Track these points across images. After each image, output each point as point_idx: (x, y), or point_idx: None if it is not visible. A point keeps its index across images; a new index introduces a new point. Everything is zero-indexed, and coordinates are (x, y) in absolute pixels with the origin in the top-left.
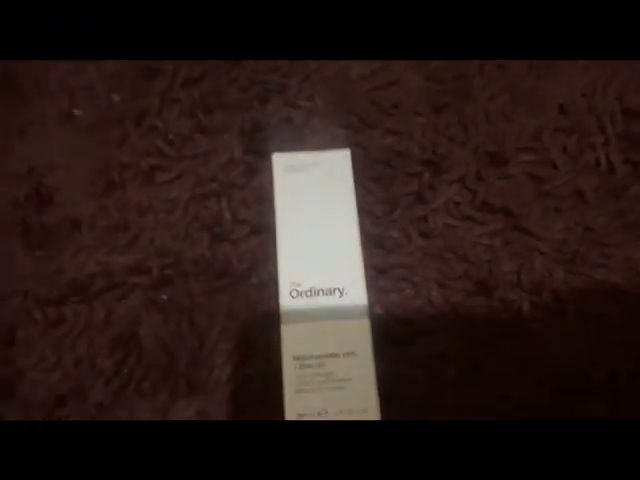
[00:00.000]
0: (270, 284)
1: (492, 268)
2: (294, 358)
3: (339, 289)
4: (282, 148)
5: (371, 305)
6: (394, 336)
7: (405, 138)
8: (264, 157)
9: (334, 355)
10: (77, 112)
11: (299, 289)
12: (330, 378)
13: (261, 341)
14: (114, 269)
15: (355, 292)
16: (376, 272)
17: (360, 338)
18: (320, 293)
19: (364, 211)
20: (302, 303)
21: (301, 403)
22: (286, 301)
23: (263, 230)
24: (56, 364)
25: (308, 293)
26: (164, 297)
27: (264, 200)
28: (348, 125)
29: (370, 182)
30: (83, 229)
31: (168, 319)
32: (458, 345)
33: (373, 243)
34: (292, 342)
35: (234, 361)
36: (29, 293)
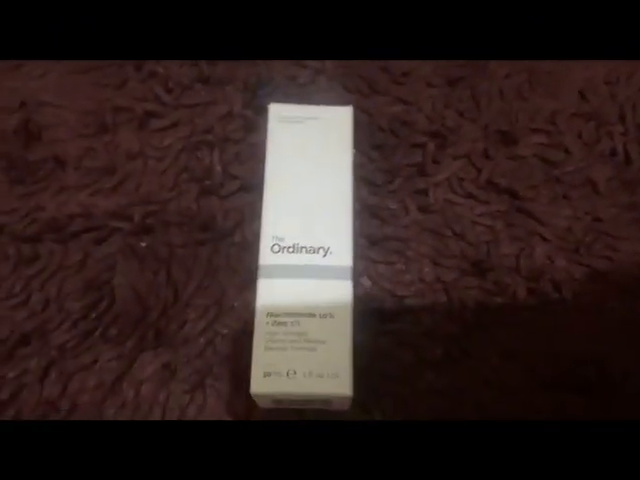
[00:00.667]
0: (254, 244)
1: (490, 250)
2: (267, 314)
3: (323, 248)
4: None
5: (359, 274)
6: (379, 309)
7: (413, 109)
8: (264, 114)
9: (310, 315)
10: None
11: (281, 244)
12: (303, 338)
13: (238, 299)
14: (95, 212)
15: (340, 253)
16: (368, 242)
17: (340, 300)
18: (303, 250)
19: (363, 179)
20: (283, 259)
21: (269, 361)
22: (266, 255)
23: (254, 188)
24: (23, 302)
25: (290, 249)
26: (143, 245)
27: (258, 158)
28: (355, 89)
29: (372, 150)
30: (68, 168)
31: (144, 268)
32: (445, 325)
33: (369, 212)
34: (267, 298)
35: (208, 318)
36: (4, 227)
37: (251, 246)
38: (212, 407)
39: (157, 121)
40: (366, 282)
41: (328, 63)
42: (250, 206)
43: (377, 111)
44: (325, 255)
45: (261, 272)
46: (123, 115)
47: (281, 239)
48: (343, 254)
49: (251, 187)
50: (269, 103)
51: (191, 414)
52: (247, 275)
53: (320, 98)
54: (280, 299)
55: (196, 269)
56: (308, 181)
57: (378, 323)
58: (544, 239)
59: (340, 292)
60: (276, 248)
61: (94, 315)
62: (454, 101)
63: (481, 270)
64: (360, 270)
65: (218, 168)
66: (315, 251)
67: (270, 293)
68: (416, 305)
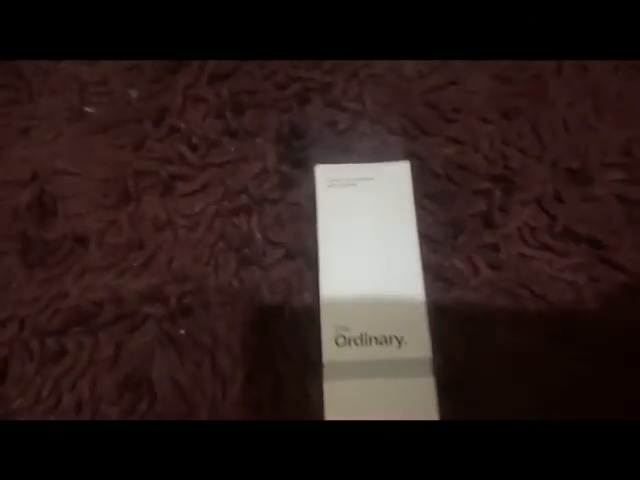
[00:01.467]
0: (307, 323)
1: (575, 309)
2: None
3: (397, 337)
4: (324, 157)
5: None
6: (456, 392)
7: (469, 149)
8: (303, 167)
9: None
10: (89, 109)
11: (347, 335)
12: None
13: (296, 395)
14: (125, 295)
15: (417, 341)
16: (435, 310)
17: (423, 401)
18: (373, 342)
19: (420, 235)
20: (350, 354)
21: None
22: (330, 350)
23: (299, 254)
24: (54, 408)
25: (358, 341)
26: (182, 332)
27: (301, 218)
28: (401, 131)
29: (427, 200)
30: (90, 246)
31: (186, 359)
32: (533, 408)
33: (432, 274)
34: (337, 404)
35: (262, 416)
36: (26, 320)
37: (304, 324)
38: None
39: (184, 184)
40: (439, 361)
41: (367, 103)
42: (298, 275)
43: (429, 155)
44: (400, 346)
45: (326, 372)
46: (146, 180)
47: (345, 329)
48: (420, 344)
49: (295, 253)
50: (307, 155)
51: None
52: (305, 363)
53: (363, 145)
54: (351, 405)
55: (245, 356)
56: (370, 254)
57: (457, 409)
58: (634, 292)
59: (422, 390)
60: (341, 341)
61: (135, 419)
62: (513, 137)
63: (568, 334)
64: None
65: (257, 234)
66: (387, 341)
67: (339, 398)
68: (494, 381)
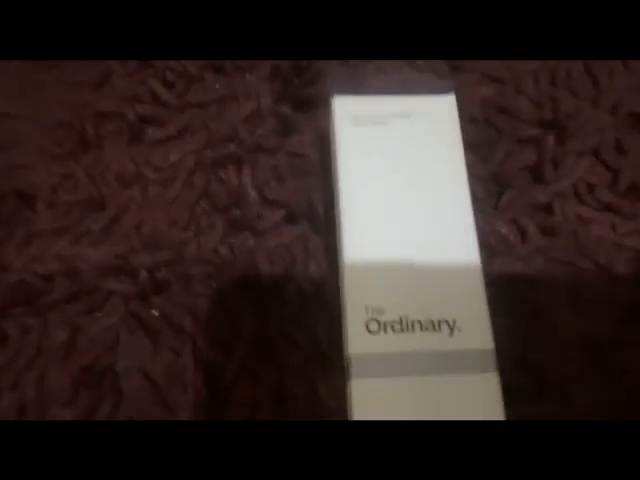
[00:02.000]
0: (315, 302)
1: None
2: None
3: (448, 322)
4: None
5: None
6: (513, 387)
7: (510, 89)
8: (306, 108)
9: None
10: None
11: (381, 319)
12: None
13: (301, 392)
14: (82, 267)
15: (474, 328)
16: None
17: (485, 402)
18: (417, 327)
19: None
20: (386, 343)
21: None
22: (359, 339)
23: (303, 216)
24: None
25: (396, 326)
26: (155, 313)
27: (305, 172)
28: (429, 66)
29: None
30: (38, 206)
31: (160, 346)
32: (604, 404)
33: None
34: (368, 408)
35: (262, 416)
36: None
37: (314, 304)
38: None
39: (156, 130)
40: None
41: None
42: (301, 243)
43: (462, 95)
44: (452, 333)
45: (353, 367)
46: (109, 124)
47: (378, 310)
48: (479, 330)
49: (299, 215)
50: (311, 93)
51: None
52: (310, 348)
53: (381, 85)
54: (389, 410)
55: (237, 344)
56: (408, 213)
57: (515, 409)
58: None
59: (483, 389)
60: (373, 326)
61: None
62: (562, 77)
63: None
64: None
65: (251, 191)
66: (435, 326)
67: (371, 400)
68: (559, 375)
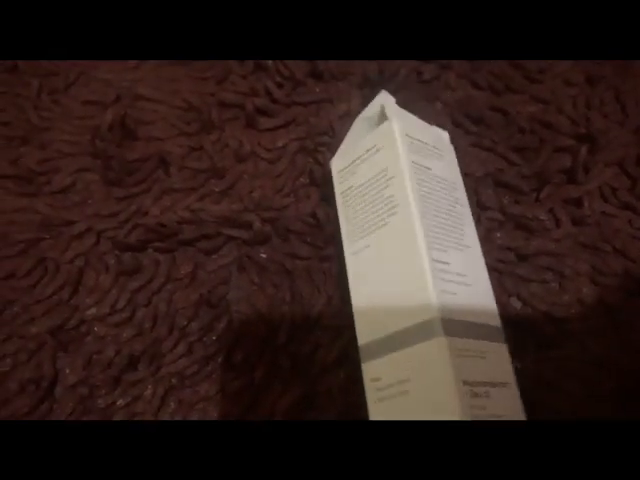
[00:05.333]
0: None
1: None
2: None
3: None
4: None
5: (509, 295)
6: (534, 333)
7: (553, 108)
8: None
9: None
10: None
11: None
12: None
13: None
14: (205, 218)
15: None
16: (516, 257)
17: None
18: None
19: (504, 185)
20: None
21: None
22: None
23: None
24: (129, 318)
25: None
26: (263, 255)
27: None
28: (487, 86)
29: (513, 153)
30: (171, 170)
31: (264, 281)
32: (616, 355)
33: (514, 223)
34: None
35: (341, 342)
36: (103, 234)
37: None
38: None
39: (268, 119)
40: (516, 303)
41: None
42: None
43: (513, 110)
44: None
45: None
46: (229, 111)
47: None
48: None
49: None
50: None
51: None
52: None
53: (447, 98)
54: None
55: (325, 284)
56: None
57: (537, 349)
58: None
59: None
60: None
61: (214, 337)
62: (597, 102)
63: None
64: (510, 291)
65: None
66: None
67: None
68: (579, 330)
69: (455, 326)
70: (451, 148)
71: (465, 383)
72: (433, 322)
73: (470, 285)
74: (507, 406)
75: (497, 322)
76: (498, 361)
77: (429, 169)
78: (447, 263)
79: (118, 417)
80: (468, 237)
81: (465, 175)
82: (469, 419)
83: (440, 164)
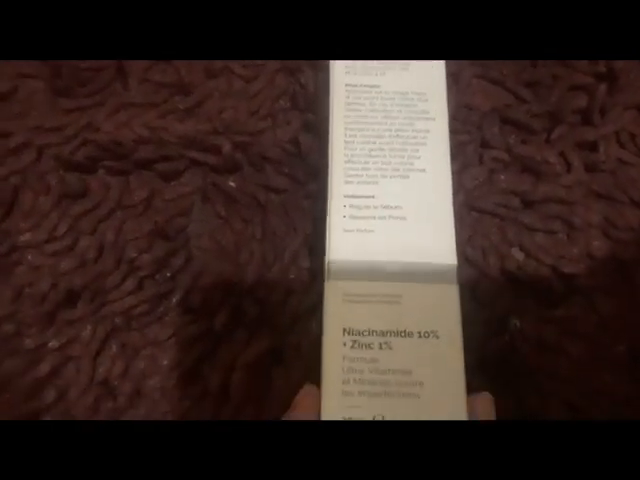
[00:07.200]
0: None
1: None
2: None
3: None
4: None
5: (510, 244)
6: (537, 289)
7: None
8: None
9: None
10: None
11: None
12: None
13: None
14: (167, 138)
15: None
16: (521, 203)
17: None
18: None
19: (512, 122)
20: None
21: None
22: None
23: None
24: (69, 247)
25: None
26: (232, 184)
27: None
28: None
29: (524, 88)
30: (130, 81)
31: (232, 215)
32: (627, 314)
33: (520, 165)
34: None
35: (315, 289)
36: (45, 150)
37: None
38: None
39: None
40: (518, 254)
41: None
42: None
43: None
44: None
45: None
46: None
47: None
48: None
49: None
50: None
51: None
52: None
53: None
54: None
55: (303, 221)
56: None
57: (539, 307)
58: None
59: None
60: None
61: (169, 274)
62: None
63: None
64: (511, 240)
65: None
66: None
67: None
68: (588, 287)
69: (352, 268)
70: None
71: (347, 332)
72: (326, 265)
73: (405, 218)
74: (423, 361)
75: (441, 260)
76: (426, 306)
77: (376, 87)
78: (370, 197)
79: (48, 360)
80: (424, 159)
81: (469, 109)
82: (340, 372)
83: (396, 76)
